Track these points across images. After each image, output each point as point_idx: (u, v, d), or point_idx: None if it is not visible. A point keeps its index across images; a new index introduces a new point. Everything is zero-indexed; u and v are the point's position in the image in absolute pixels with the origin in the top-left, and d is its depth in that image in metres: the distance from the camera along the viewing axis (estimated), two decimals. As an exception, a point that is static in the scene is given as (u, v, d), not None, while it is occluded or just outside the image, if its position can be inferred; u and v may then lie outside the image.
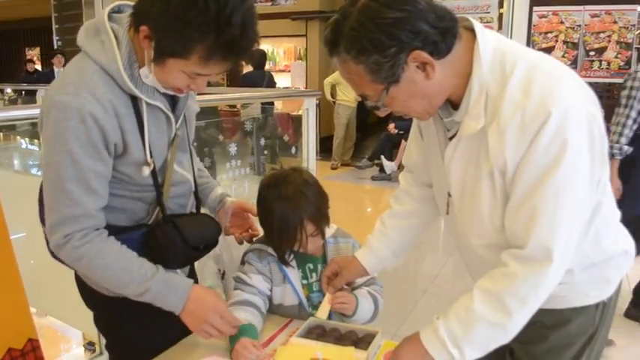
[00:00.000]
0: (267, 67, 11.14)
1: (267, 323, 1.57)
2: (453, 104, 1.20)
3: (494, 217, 1.19)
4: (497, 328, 1.15)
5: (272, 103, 6.09)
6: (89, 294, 1.47)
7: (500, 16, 7.48)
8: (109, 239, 1.30)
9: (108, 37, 1.23)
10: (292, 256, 1.60)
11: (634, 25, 6.89)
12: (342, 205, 6.48)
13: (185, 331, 1.45)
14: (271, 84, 7.72)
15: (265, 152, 4.69)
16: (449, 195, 1.30)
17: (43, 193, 1.28)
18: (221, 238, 1.55)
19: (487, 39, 1.13)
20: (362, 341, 1.42)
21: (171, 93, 1.32)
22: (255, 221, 1.68)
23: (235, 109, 8.27)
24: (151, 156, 1.31)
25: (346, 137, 8.99)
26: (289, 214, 1.50)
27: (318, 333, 1.47)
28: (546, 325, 1.30)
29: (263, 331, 1.52)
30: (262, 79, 7.36)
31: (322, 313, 1.52)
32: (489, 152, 1.13)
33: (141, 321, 1.43)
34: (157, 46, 1.17)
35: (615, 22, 6.94)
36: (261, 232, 1.66)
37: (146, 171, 1.31)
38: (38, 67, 12.81)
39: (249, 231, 1.69)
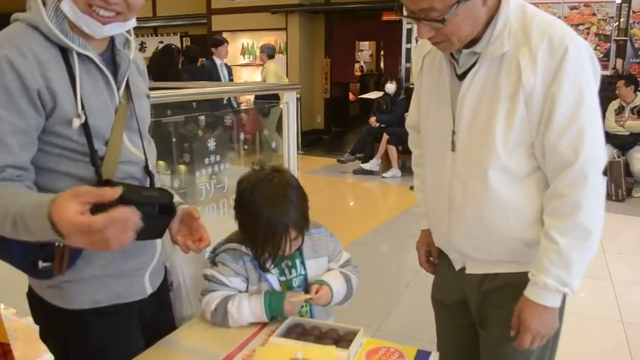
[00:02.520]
0: (247, 60, 11.12)
1: (246, 322, 1.52)
2: (467, 43, 1.33)
3: (506, 138, 1.32)
4: (587, 250, 1.31)
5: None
6: (38, 305, 1.38)
7: (481, 8, 7.48)
8: (14, 183, 1.14)
9: (35, 2, 1.20)
10: (271, 261, 1.54)
11: (612, 18, 6.93)
12: (325, 200, 6.45)
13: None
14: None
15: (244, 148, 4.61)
16: (453, 133, 1.42)
17: None
18: (175, 252, 1.50)
19: None
20: (343, 339, 1.38)
21: (100, 32, 1.24)
22: (207, 229, 1.54)
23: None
24: (83, 108, 1.21)
25: None
26: (276, 221, 1.44)
27: (299, 332, 1.43)
28: (517, 286, 1.39)
29: (241, 331, 1.48)
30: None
31: (297, 298, 1.51)
32: (521, 74, 1.27)
33: (95, 340, 1.36)
34: None
35: (594, 15, 6.99)
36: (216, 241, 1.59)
37: (76, 123, 1.19)
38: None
39: (200, 241, 1.47)
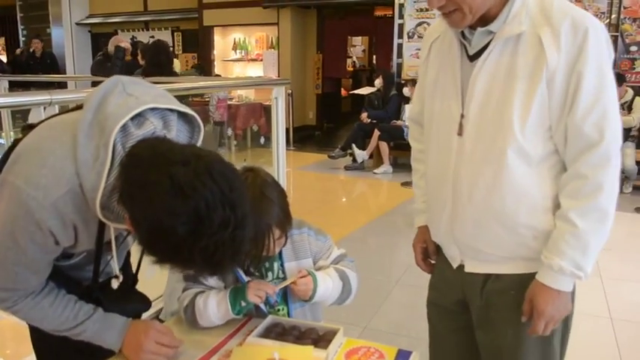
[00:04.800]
0: (239, 55, 11.09)
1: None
2: (481, 22, 1.31)
3: (523, 119, 1.28)
4: (604, 232, 1.29)
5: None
6: None
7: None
8: (42, 293, 1.26)
9: (105, 155, 1.08)
10: (256, 264, 1.50)
11: (604, 13, 6.92)
12: (316, 195, 6.43)
13: None
14: None
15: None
16: (461, 116, 1.37)
17: None
18: None
19: None
20: (323, 339, 1.35)
21: None
22: None
23: (207, 98, 8.17)
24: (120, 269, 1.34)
25: None
26: (257, 222, 1.33)
27: (278, 332, 1.40)
28: (522, 291, 1.37)
29: (219, 331, 1.45)
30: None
31: (280, 285, 1.48)
32: (545, 52, 1.25)
33: None
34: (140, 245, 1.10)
35: (586, 10, 6.96)
36: None
37: (115, 284, 1.35)
38: (3, 57, 12.40)
39: None
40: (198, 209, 0.96)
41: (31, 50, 9.35)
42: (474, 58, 1.35)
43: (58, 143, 1.11)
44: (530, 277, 1.36)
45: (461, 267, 1.48)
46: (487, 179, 1.34)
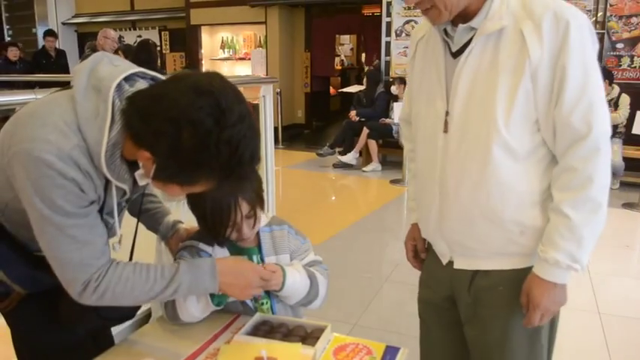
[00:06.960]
0: (227, 54, 11.04)
1: (212, 319, 1.48)
2: (463, 19, 1.32)
3: (507, 114, 1.28)
4: (598, 223, 1.30)
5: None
6: None
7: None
8: (121, 263, 1.25)
9: (105, 111, 1.11)
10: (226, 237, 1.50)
11: (590, 11, 6.96)
12: (305, 194, 6.42)
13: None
14: None
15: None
16: (446, 113, 1.37)
17: (44, 249, 1.18)
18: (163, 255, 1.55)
19: None
20: (310, 336, 1.35)
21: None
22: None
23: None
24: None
25: None
26: (222, 192, 1.39)
27: (266, 330, 1.39)
28: (511, 287, 1.38)
29: (206, 329, 1.44)
30: None
31: None
32: (527, 46, 1.24)
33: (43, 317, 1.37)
34: (160, 171, 1.13)
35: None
36: None
37: (117, 247, 1.35)
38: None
39: None
40: (219, 103, 1.06)
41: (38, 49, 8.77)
42: (457, 54, 1.35)
43: (55, 105, 1.14)
44: (518, 272, 1.37)
45: (450, 263, 1.49)
46: (473, 176, 1.34)
